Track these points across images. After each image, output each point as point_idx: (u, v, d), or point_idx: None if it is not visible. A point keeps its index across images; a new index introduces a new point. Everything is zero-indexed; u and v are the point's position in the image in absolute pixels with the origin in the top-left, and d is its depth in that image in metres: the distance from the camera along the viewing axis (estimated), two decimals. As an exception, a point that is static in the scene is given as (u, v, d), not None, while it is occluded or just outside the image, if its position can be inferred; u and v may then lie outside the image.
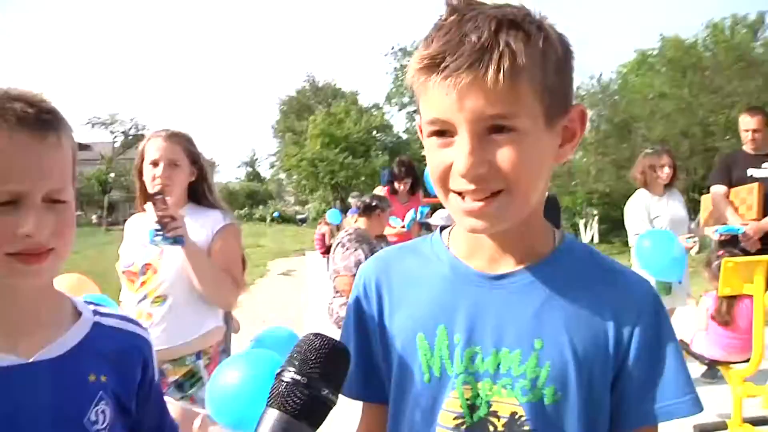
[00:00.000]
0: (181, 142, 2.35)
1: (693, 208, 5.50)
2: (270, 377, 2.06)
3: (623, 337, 0.89)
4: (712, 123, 18.51)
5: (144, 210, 2.38)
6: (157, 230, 2.10)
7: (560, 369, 0.86)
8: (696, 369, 4.75)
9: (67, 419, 0.99)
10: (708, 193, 4.99)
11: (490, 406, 0.88)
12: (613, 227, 23.30)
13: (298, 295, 10.34)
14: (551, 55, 0.80)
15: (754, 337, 3.44)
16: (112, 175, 45.58)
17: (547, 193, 4.23)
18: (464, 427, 0.89)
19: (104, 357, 1.06)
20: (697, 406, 0.91)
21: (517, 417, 0.87)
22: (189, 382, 2.23)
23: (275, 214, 41.54)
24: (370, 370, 1.00)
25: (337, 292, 4.03)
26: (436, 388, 0.91)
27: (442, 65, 0.76)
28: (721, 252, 4.02)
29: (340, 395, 0.74)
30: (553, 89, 0.81)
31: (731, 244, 4.53)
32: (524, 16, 0.79)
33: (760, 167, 4.65)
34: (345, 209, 10.15)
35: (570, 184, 20.88)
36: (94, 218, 42.37)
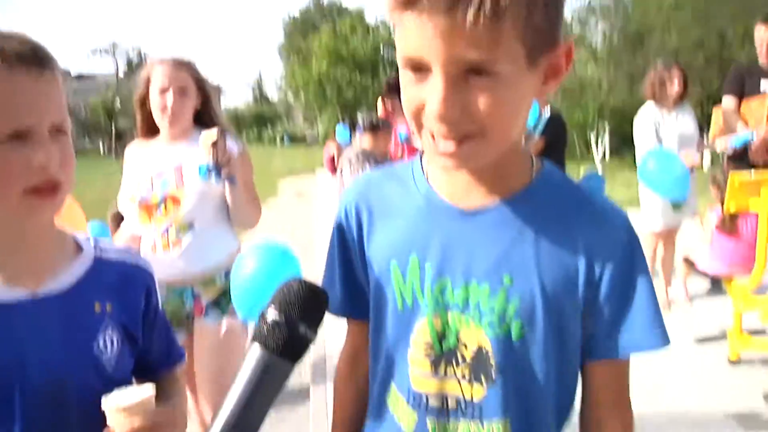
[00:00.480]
0: (187, 68, 2.32)
1: (707, 122, 5.36)
2: (281, 270, 1.98)
3: (595, 273, 0.88)
4: (729, 33, 17.97)
5: (144, 139, 2.40)
6: (210, 168, 2.13)
7: (528, 305, 0.86)
8: (700, 284, 4.86)
9: (78, 349, 1.03)
10: (720, 106, 4.89)
11: (458, 336, 0.90)
12: (625, 142, 23.11)
13: (309, 216, 10.42)
14: None
15: (758, 252, 3.46)
16: (117, 102, 45.37)
17: (549, 111, 4.13)
18: (434, 355, 0.92)
19: (108, 288, 1.10)
20: (664, 340, 0.89)
21: (484, 351, 0.89)
22: (225, 300, 2.30)
23: (285, 140, 41.40)
24: (353, 290, 1.03)
25: None
26: (408, 316, 0.93)
27: (419, 2, 0.70)
28: (726, 167, 3.99)
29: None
30: (538, 27, 0.74)
31: (739, 159, 4.49)
32: None
33: None
34: (354, 127, 10.01)
35: (581, 98, 20.55)
36: (101, 147, 42.57)
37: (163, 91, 2.24)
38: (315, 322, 0.74)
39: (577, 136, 24.27)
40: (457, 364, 0.90)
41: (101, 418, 0.95)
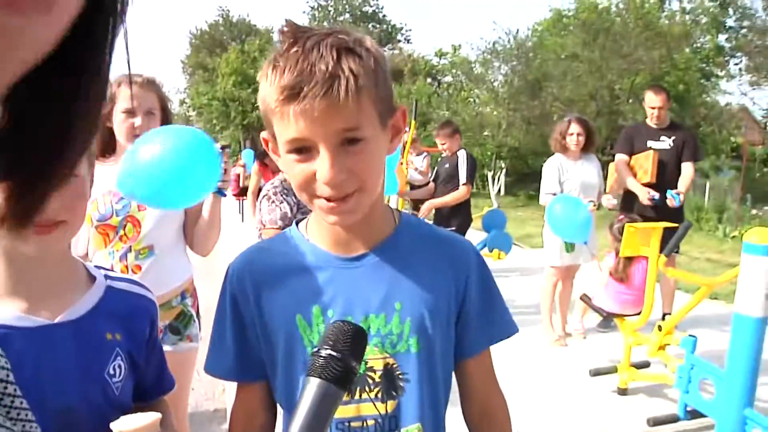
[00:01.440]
0: (155, 89, 2.29)
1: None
2: (187, 150, 1.90)
3: (461, 287, 1.12)
4: (619, 87, 19.42)
5: (106, 158, 2.31)
6: None
7: (419, 322, 1.06)
8: (593, 320, 5.29)
9: (91, 374, 1.10)
10: (613, 159, 5.45)
11: (366, 363, 1.05)
12: (519, 180, 24.24)
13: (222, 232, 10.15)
14: (379, 71, 0.96)
15: (647, 293, 3.90)
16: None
17: (465, 151, 4.46)
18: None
19: (117, 317, 1.17)
20: (514, 327, 1.19)
21: (390, 366, 1.06)
22: (182, 324, 2.30)
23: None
24: (247, 356, 1.13)
25: None
26: None
27: (301, 95, 0.89)
28: (621, 217, 4.43)
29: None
30: (383, 97, 0.97)
31: (629, 209, 5.03)
32: (354, 41, 0.94)
33: (658, 140, 5.16)
34: (255, 150, 9.84)
35: (481, 136, 21.44)
36: None
37: (131, 113, 2.19)
38: (360, 356, 0.87)
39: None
40: (370, 388, 1.06)
41: None
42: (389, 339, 1.07)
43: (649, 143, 5.15)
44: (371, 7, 47.22)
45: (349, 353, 0.85)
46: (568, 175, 4.92)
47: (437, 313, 1.08)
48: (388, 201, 11.47)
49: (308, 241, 1.12)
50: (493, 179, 21.21)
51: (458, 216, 5.56)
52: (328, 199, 0.96)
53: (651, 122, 5.23)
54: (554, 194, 4.82)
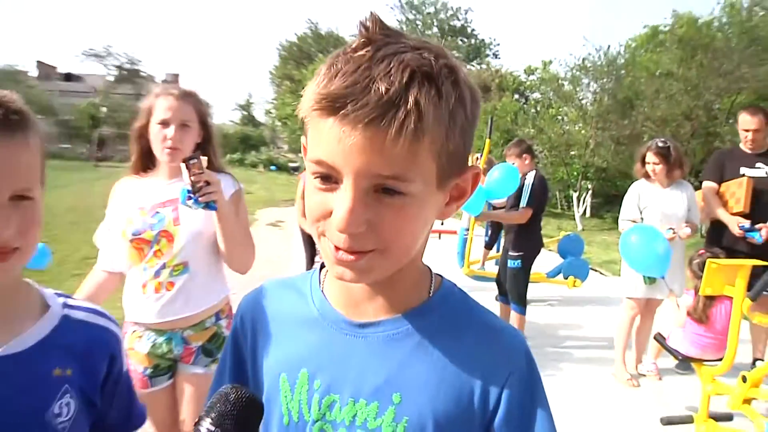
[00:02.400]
0: (192, 102, 2.22)
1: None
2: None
3: (491, 397, 0.84)
4: (717, 107, 18.36)
5: (138, 174, 2.28)
6: (189, 194, 2.00)
7: (418, 426, 0.82)
8: (671, 359, 4.84)
9: (29, 412, 1.00)
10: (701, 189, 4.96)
11: None
12: (606, 202, 23.44)
13: (285, 248, 10.32)
14: (459, 117, 0.74)
15: (730, 339, 3.47)
16: (104, 109, 45.05)
17: (534, 173, 4.20)
18: None
19: (71, 351, 1.07)
20: None
21: None
22: (215, 346, 2.21)
23: (272, 167, 41.29)
24: None
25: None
26: None
27: (342, 111, 0.69)
28: (702, 251, 4.00)
29: None
30: (453, 151, 0.75)
31: (715, 242, 4.55)
32: (441, 68, 0.72)
33: (753, 167, 4.62)
34: None
35: (567, 155, 20.84)
36: (84, 151, 42.18)
37: (165, 123, 2.14)
38: (250, 430, 0.73)
39: (559, 191, 24.59)
40: None
41: None
42: None
43: (743, 170, 4.63)
44: (460, 21, 47.14)
45: (234, 429, 0.72)
46: (649, 203, 4.57)
47: (447, 421, 0.82)
48: (461, 215, 11.27)
49: (321, 291, 0.93)
50: (579, 200, 20.55)
51: (526, 240, 5.30)
52: (337, 247, 0.75)
53: (745, 147, 4.73)
54: (633, 221, 4.51)
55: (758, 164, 4.61)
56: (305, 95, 0.74)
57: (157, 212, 2.16)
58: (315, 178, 0.75)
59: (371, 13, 0.75)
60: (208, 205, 2.02)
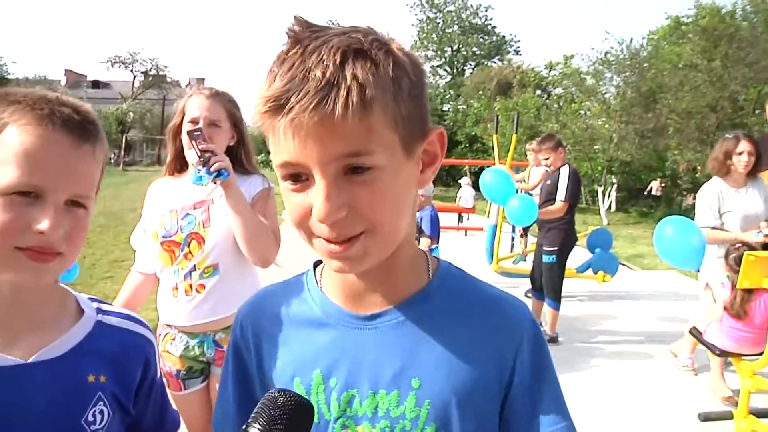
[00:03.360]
0: (223, 102, 2.21)
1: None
2: None
3: (506, 366, 0.87)
4: (743, 98, 18.02)
5: (173, 174, 2.29)
6: (199, 168, 1.99)
7: (441, 406, 0.83)
8: (707, 355, 4.76)
9: (65, 419, 0.99)
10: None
11: None
12: (631, 196, 23.16)
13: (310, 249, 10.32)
14: (403, 81, 0.75)
15: (769, 332, 3.40)
16: (132, 113, 45.62)
17: (569, 167, 4.15)
18: None
19: (105, 357, 1.06)
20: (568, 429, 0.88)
21: None
22: None
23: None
24: (247, 410, 0.97)
25: None
26: None
27: (287, 106, 0.70)
28: (739, 245, 3.83)
29: None
30: (408, 116, 0.76)
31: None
32: (371, 43, 0.74)
33: None
34: None
35: (591, 150, 20.61)
36: (111, 157, 42.82)
37: (195, 121, 2.13)
38: None
39: (583, 186, 24.35)
40: None
41: None
42: (400, 424, 0.84)
43: None
44: (480, 18, 46.92)
45: None
46: (730, 205, 4.19)
47: (469, 397, 0.84)
48: (488, 212, 11.13)
49: (320, 289, 0.92)
50: (604, 195, 20.33)
51: (560, 234, 5.31)
52: (328, 241, 0.76)
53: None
54: (713, 228, 4.16)
55: None
56: (254, 107, 0.75)
57: (188, 214, 2.16)
58: (286, 181, 0.76)
59: (294, 17, 0.77)
60: (220, 173, 1.99)
